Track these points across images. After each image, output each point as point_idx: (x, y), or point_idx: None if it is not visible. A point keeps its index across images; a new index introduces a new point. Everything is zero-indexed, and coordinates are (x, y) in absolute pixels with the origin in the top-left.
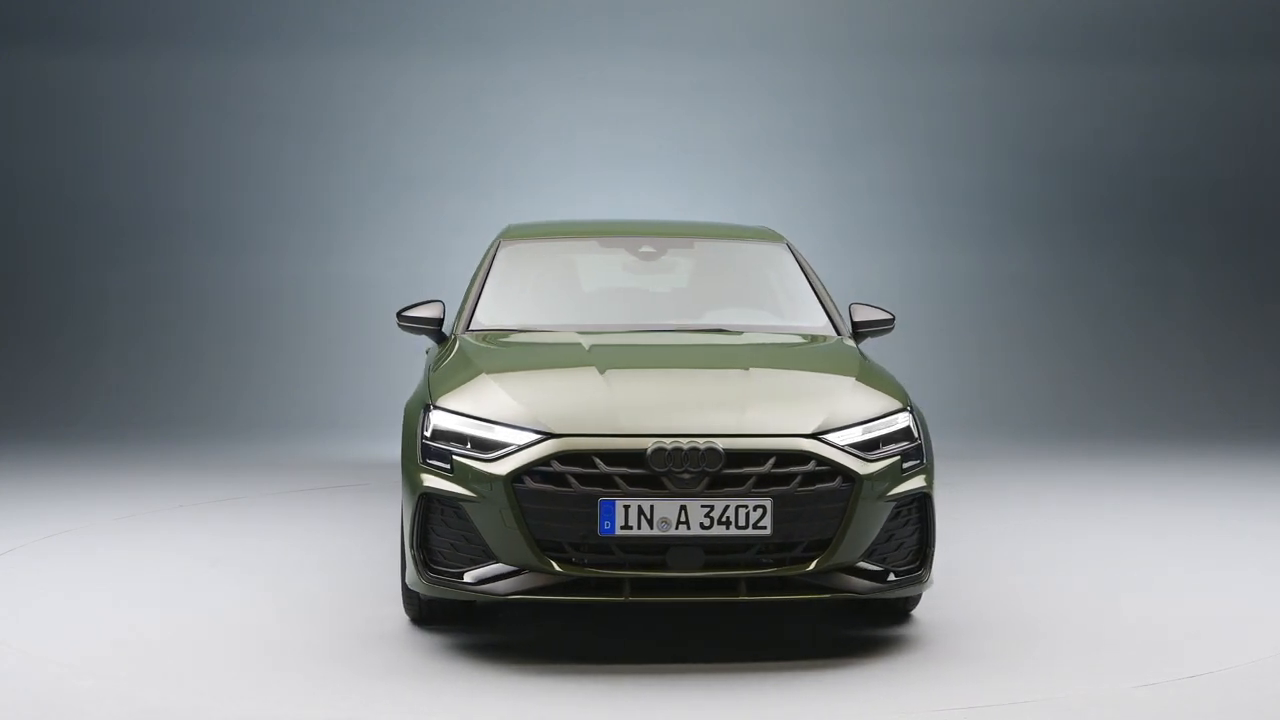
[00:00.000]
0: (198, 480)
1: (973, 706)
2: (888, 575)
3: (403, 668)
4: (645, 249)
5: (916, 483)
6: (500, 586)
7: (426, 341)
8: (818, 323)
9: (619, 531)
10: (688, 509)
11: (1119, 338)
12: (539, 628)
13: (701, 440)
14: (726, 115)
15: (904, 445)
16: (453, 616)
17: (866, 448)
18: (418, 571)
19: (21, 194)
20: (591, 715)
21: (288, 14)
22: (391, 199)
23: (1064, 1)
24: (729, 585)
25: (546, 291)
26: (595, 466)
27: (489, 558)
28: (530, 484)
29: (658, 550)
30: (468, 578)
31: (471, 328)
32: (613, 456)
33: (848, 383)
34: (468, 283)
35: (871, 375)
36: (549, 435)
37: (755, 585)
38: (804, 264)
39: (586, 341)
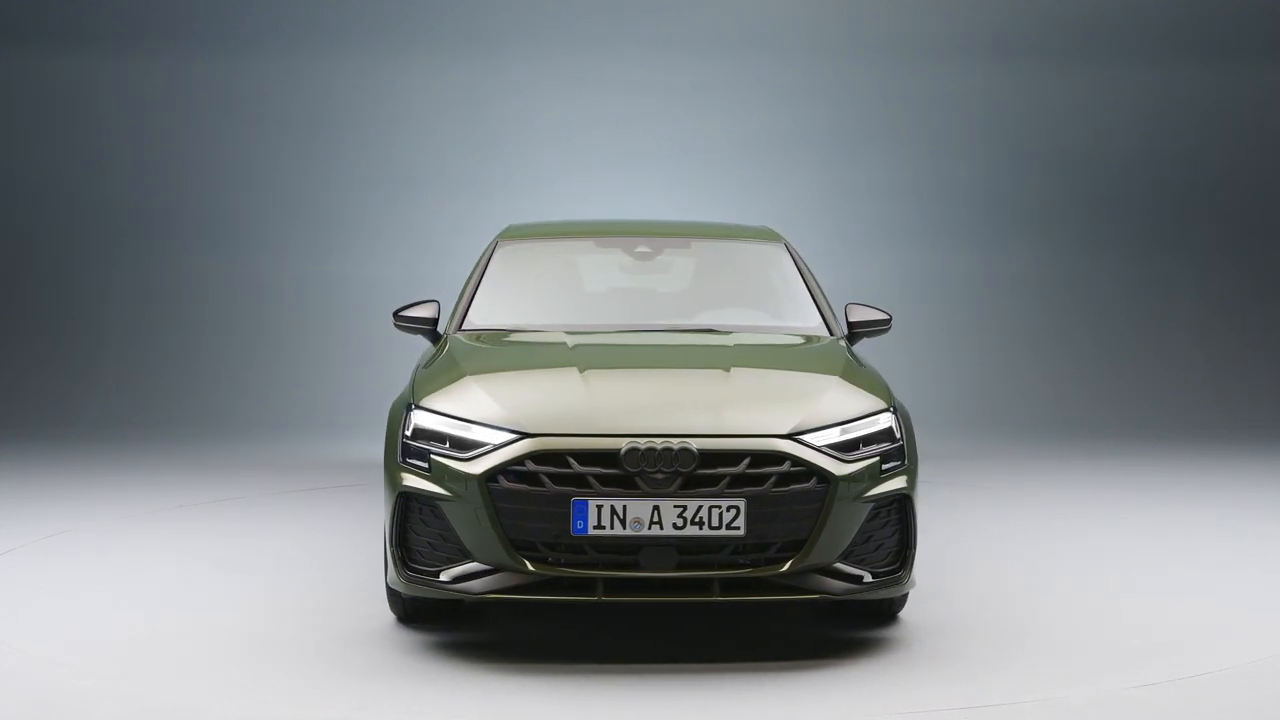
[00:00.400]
0: (198, 480)
1: (972, 706)
2: (864, 577)
3: (388, 667)
4: (641, 249)
5: (896, 484)
6: (475, 585)
7: (426, 342)
8: (811, 323)
9: (592, 531)
10: (660, 509)
11: (1119, 338)
12: (523, 627)
13: (675, 440)
14: (726, 115)
15: (885, 446)
16: (438, 615)
17: (845, 448)
18: (396, 570)
19: (22, 194)
20: (577, 714)
21: (288, 14)
22: (391, 199)
23: (1064, 1)
24: (702, 586)
25: (540, 291)
26: (569, 466)
27: (465, 556)
28: (504, 483)
29: (631, 550)
30: (443, 576)
31: (464, 327)
32: (586, 456)
33: (830, 383)
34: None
35: (856, 375)
36: (524, 435)
37: (729, 586)
38: (801, 264)
39: (572, 342)
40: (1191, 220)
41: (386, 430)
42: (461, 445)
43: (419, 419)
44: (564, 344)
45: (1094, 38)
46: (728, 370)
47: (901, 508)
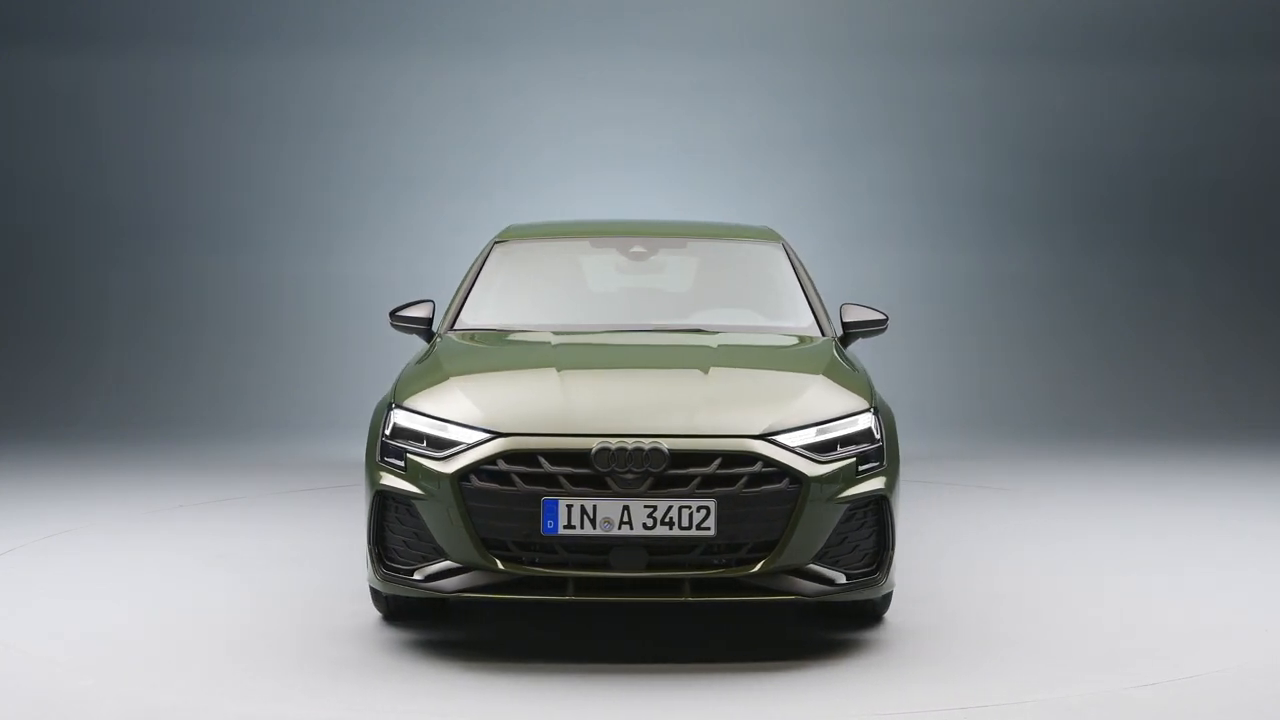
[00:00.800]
0: (198, 480)
1: (972, 706)
2: (838, 579)
3: (387, 667)
4: (636, 249)
5: (873, 485)
6: (447, 584)
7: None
8: (803, 323)
9: (562, 531)
10: (630, 509)
11: (1119, 338)
12: (508, 626)
13: (647, 440)
14: (726, 115)
15: (863, 447)
16: (423, 613)
17: (821, 449)
18: (373, 568)
19: (22, 194)
20: (561, 714)
21: (288, 14)
22: (391, 199)
23: (1064, 1)
24: (673, 586)
25: (533, 292)
26: (540, 466)
27: (439, 555)
28: (476, 483)
29: (601, 550)
30: (417, 575)
31: (456, 327)
32: (558, 456)
33: (811, 383)
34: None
35: (839, 375)
36: (497, 435)
37: (700, 586)
38: (797, 264)
39: (556, 342)
40: (1191, 220)
41: (369, 430)
42: (438, 445)
43: (398, 418)
44: (547, 344)
45: (1094, 38)
46: (706, 371)
47: (878, 509)
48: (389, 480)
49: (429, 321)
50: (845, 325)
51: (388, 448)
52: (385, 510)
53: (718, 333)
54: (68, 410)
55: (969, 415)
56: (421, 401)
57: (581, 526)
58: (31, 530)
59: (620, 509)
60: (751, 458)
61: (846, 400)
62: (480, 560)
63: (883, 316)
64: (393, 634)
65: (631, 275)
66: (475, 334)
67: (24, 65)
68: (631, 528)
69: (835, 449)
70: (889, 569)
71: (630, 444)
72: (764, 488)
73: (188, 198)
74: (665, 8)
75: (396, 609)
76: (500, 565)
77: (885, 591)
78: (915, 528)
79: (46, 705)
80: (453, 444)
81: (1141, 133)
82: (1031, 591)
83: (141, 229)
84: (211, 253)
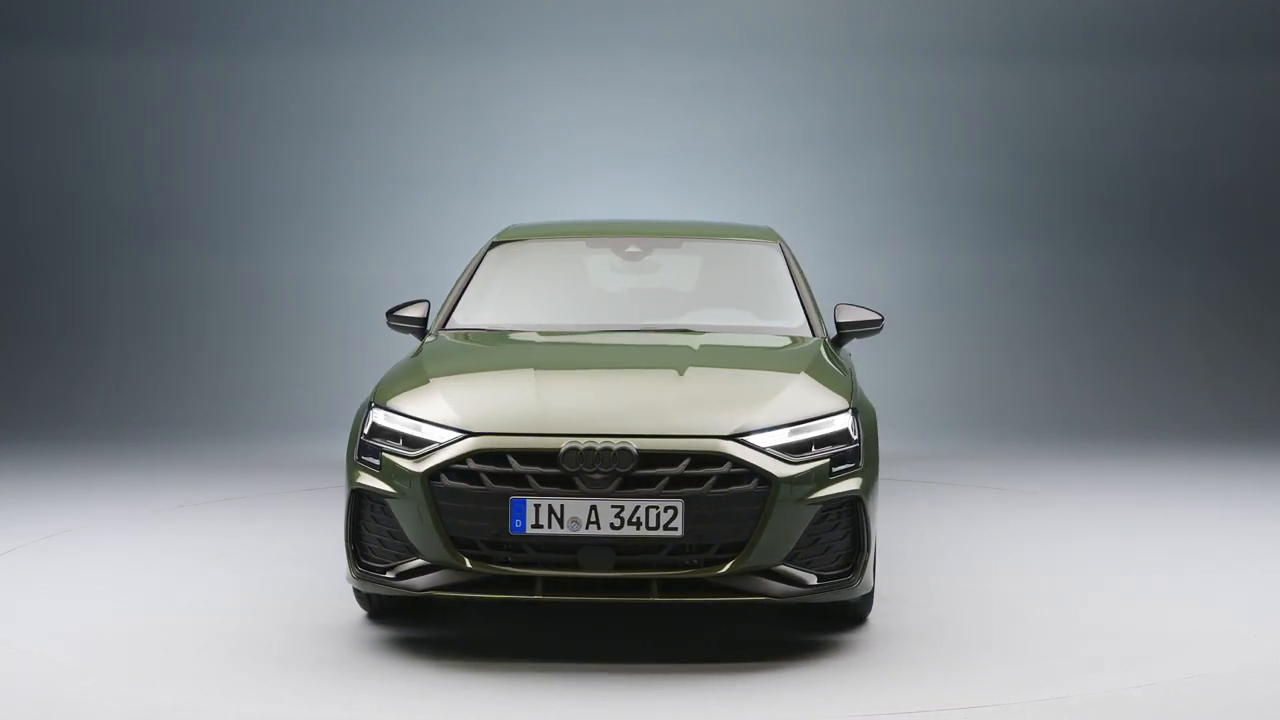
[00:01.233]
0: (198, 480)
1: (972, 706)
2: (810, 580)
3: (357, 665)
4: (631, 249)
5: (847, 486)
6: (417, 582)
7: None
8: (794, 323)
9: (530, 530)
10: (598, 509)
11: (1119, 338)
12: (489, 624)
13: (615, 440)
14: (726, 115)
15: (838, 448)
16: (407, 612)
17: (794, 449)
18: (349, 566)
19: (22, 194)
20: (542, 713)
21: (288, 14)
22: (391, 199)
23: (1064, 1)
24: (642, 586)
25: (526, 292)
26: (509, 465)
27: (411, 554)
28: (446, 481)
29: (569, 550)
30: (389, 573)
31: (448, 327)
32: (527, 455)
33: (789, 383)
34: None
35: (822, 375)
36: (468, 434)
37: (668, 586)
38: (792, 265)
39: (540, 343)
40: (1191, 220)
41: (350, 429)
42: (413, 444)
43: (376, 418)
44: (530, 345)
45: (1094, 38)
46: (683, 371)
47: (853, 510)
48: (365, 479)
49: (424, 321)
50: (839, 325)
51: (365, 447)
52: (361, 509)
53: (705, 333)
54: (68, 410)
55: (969, 415)
56: (399, 401)
57: (549, 526)
58: (31, 530)
59: (588, 509)
60: (720, 458)
61: (824, 400)
62: (450, 559)
63: (878, 317)
64: (376, 632)
65: (626, 275)
66: (465, 334)
67: (24, 65)
68: (599, 527)
69: (810, 449)
70: (864, 571)
71: (599, 444)
72: (732, 488)
73: (188, 198)
74: (665, 8)
75: (381, 607)
76: (468, 564)
77: (861, 593)
78: (914, 528)
79: (46, 705)
80: (426, 443)
81: (1141, 133)
82: (1030, 592)
83: (141, 229)
84: (211, 253)
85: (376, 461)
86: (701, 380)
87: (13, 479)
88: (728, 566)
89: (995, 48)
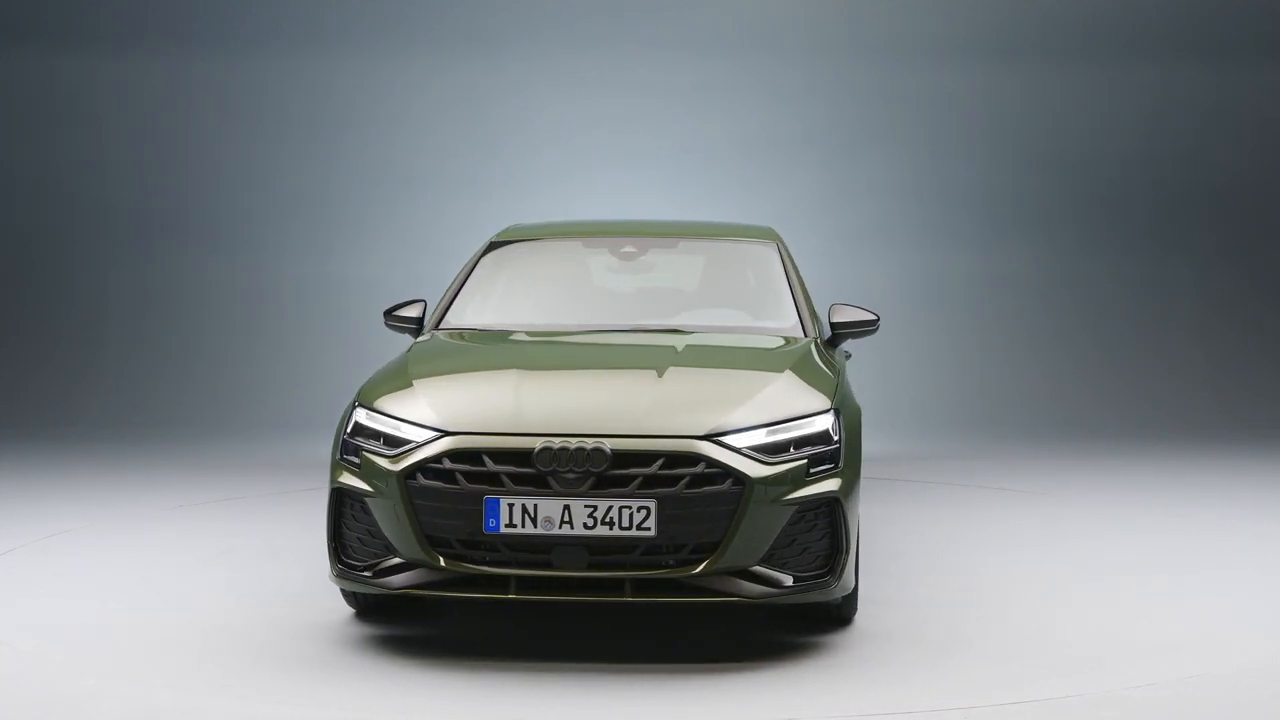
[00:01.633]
0: (198, 480)
1: (972, 707)
2: (785, 581)
3: (342, 664)
4: (627, 249)
5: (825, 486)
6: (395, 580)
7: None
8: (787, 323)
9: (503, 529)
10: (571, 508)
11: (1119, 338)
12: (473, 622)
13: (590, 440)
14: (726, 115)
15: (818, 449)
16: (401, 610)
17: (771, 450)
18: (330, 564)
19: (22, 194)
20: (530, 712)
21: (288, 14)
22: (391, 199)
23: (1064, 1)
24: (615, 586)
25: (521, 292)
26: (484, 464)
27: (389, 552)
28: (422, 480)
29: (543, 549)
30: (367, 571)
31: (442, 326)
32: (501, 455)
33: (770, 383)
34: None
35: (806, 375)
36: (445, 434)
37: (642, 586)
38: (788, 264)
39: (527, 343)
40: (1191, 220)
41: (336, 428)
42: (393, 443)
43: (358, 417)
44: (516, 345)
45: (1094, 38)
46: (663, 371)
47: (831, 511)
48: (345, 478)
49: (421, 321)
50: (833, 326)
51: (347, 446)
52: (341, 507)
53: (694, 333)
54: (68, 410)
55: (969, 415)
56: (382, 401)
57: (523, 525)
58: (31, 530)
59: (561, 508)
60: (694, 458)
61: (806, 401)
62: (425, 558)
63: (873, 317)
64: (376, 631)
65: (621, 275)
66: (456, 333)
67: (25, 65)
68: (572, 527)
69: (788, 450)
70: (842, 572)
71: (573, 444)
72: (706, 489)
73: (188, 198)
74: (665, 8)
75: (367, 605)
76: (443, 563)
77: (840, 595)
78: (914, 528)
79: (46, 705)
80: (405, 443)
81: (1141, 133)
82: (1030, 592)
83: (141, 229)
84: (211, 253)
85: (357, 460)
86: (680, 380)
87: (13, 479)
88: (702, 567)
89: (995, 48)
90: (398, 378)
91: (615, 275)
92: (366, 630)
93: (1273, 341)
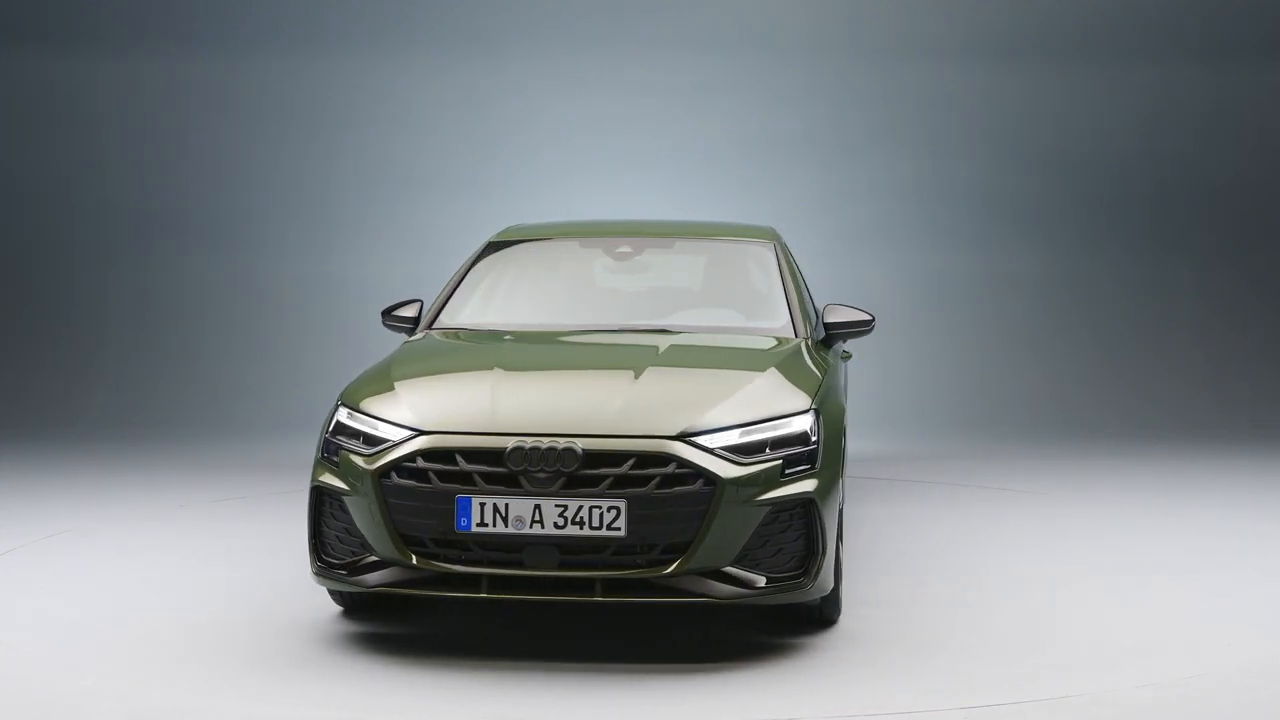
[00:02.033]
0: (198, 480)
1: (974, 706)
2: (758, 582)
3: (329, 663)
4: (622, 249)
5: (800, 487)
6: (370, 579)
7: None
8: (778, 324)
9: (475, 528)
10: (542, 508)
11: (1119, 338)
12: (455, 621)
13: (561, 440)
14: (726, 115)
15: (794, 449)
16: (392, 608)
17: (745, 450)
18: (310, 562)
19: (22, 194)
20: (516, 711)
21: (288, 14)
22: (391, 199)
23: (1064, 1)
24: (587, 585)
25: (515, 292)
26: (456, 464)
27: (366, 550)
28: (396, 479)
29: (514, 548)
30: (344, 570)
31: (435, 326)
32: (474, 454)
33: (748, 384)
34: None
35: (790, 374)
36: (420, 433)
37: (613, 586)
38: (783, 264)
39: (513, 342)
40: (1191, 220)
41: (321, 428)
42: (371, 442)
43: (340, 416)
44: (501, 345)
45: (1094, 38)
46: (641, 372)
47: (806, 512)
48: (325, 477)
49: (416, 321)
50: (827, 326)
51: (328, 444)
52: (321, 505)
53: (682, 333)
54: (68, 410)
55: (969, 415)
56: (362, 400)
57: (494, 525)
58: (31, 530)
59: (532, 508)
60: (665, 459)
61: (784, 401)
62: (398, 556)
63: (867, 317)
64: (375, 631)
65: (616, 275)
66: (449, 333)
67: (24, 65)
68: (543, 526)
69: (763, 450)
70: (817, 573)
71: (545, 443)
72: (677, 489)
73: (188, 198)
74: (665, 8)
75: (354, 603)
76: (415, 561)
77: (816, 596)
78: (914, 528)
79: (46, 705)
80: (382, 441)
81: (1141, 133)
82: (1028, 592)
83: (141, 229)
84: (212, 253)
85: (337, 459)
86: (657, 381)
87: (13, 479)
88: (673, 567)
89: (995, 48)
90: (380, 377)
91: (610, 275)
92: (367, 630)
93: (1273, 341)
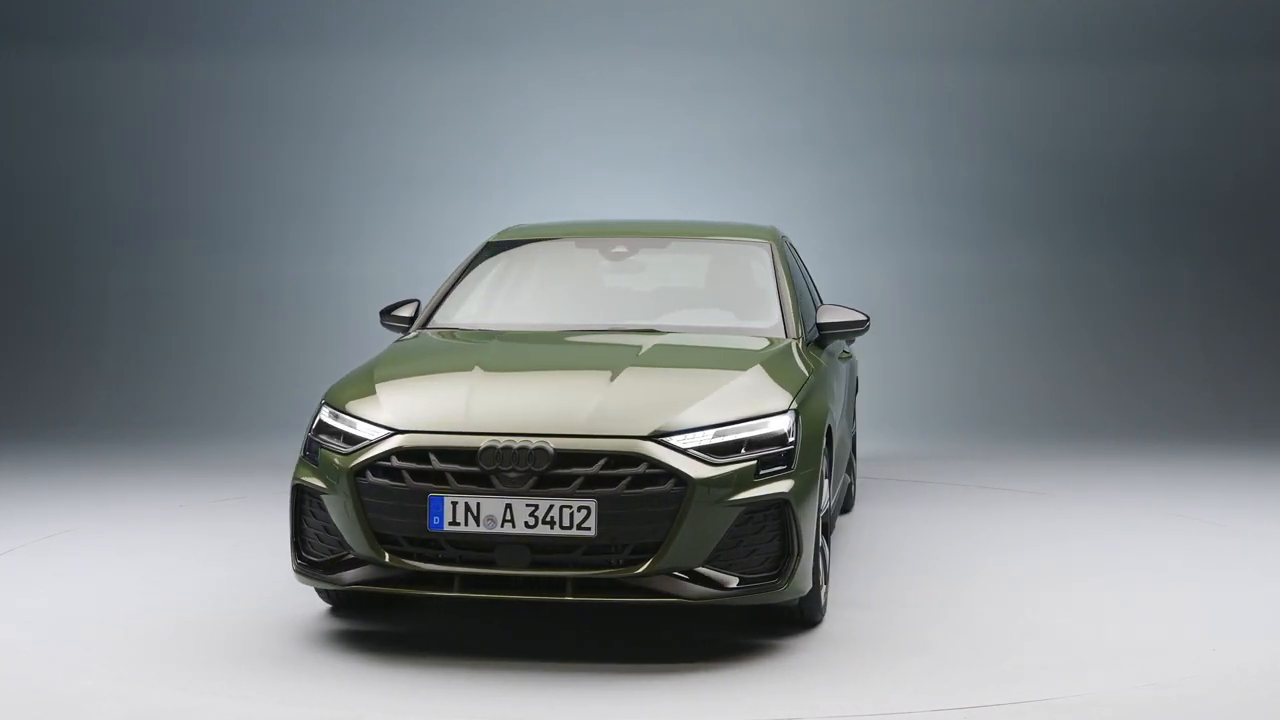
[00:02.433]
0: (198, 480)
1: (974, 707)
2: (730, 583)
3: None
4: (617, 249)
5: (775, 488)
6: (346, 576)
7: None
8: (769, 324)
9: (447, 527)
10: (513, 507)
11: (1119, 338)
12: (437, 618)
13: (534, 440)
14: (726, 115)
15: (770, 450)
16: (389, 607)
17: (719, 450)
18: (291, 559)
19: (22, 194)
20: (505, 709)
21: (288, 14)
22: (391, 199)
23: (1064, 1)
24: (558, 585)
25: (511, 292)
26: (429, 463)
27: (343, 548)
28: (371, 478)
29: (486, 547)
30: (322, 568)
31: (429, 326)
32: (447, 453)
33: (725, 384)
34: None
35: (773, 374)
36: (396, 432)
37: (584, 586)
38: (779, 264)
39: (498, 342)
40: (1191, 220)
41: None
42: (350, 441)
43: (323, 415)
44: (486, 345)
45: (1094, 38)
46: (618, 372)
47: (781, 513)
48: (306, 475)
49: (412, 320)
50: (820, 326)
51: (310, 443)
52: (301, 504)
53: (669, 333)
54: (68, 410)
55: (969, 415)
56: (345, 400)
57: (466, 524)
58: (31, 530)
59: (503, 507)
60: (636, 458)
61: (762, 401)
62: (373, 554)
63: (861, 317)
64: (376, 631)
65: (611, 275)
66: (446, 332)
67: (24, 65)
68: (514, 526)
69: (739, 450)
70: (792, 575)
71: (516, 443)
72: (647, 489)
73: (188, 198)
74: (665, 8)
75: (340, 600)
76: (387, 559)
77: (791, 597)
78: (914, 528)
79: (46, 705)
80: (360, 440)
81: (1141, 133)
82: (1030, 592)
83: (141, 229)
84: (211, 253)
85: (318, 458)
86: (634, 381)
87: (13, 479)
88: (644, 567)
89: (995, 48)
90: (363, 378)
91: (605, 275)
92: (367, 630)
93: (1273, 341)
